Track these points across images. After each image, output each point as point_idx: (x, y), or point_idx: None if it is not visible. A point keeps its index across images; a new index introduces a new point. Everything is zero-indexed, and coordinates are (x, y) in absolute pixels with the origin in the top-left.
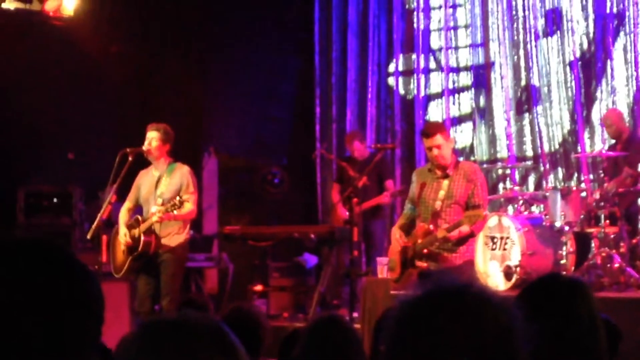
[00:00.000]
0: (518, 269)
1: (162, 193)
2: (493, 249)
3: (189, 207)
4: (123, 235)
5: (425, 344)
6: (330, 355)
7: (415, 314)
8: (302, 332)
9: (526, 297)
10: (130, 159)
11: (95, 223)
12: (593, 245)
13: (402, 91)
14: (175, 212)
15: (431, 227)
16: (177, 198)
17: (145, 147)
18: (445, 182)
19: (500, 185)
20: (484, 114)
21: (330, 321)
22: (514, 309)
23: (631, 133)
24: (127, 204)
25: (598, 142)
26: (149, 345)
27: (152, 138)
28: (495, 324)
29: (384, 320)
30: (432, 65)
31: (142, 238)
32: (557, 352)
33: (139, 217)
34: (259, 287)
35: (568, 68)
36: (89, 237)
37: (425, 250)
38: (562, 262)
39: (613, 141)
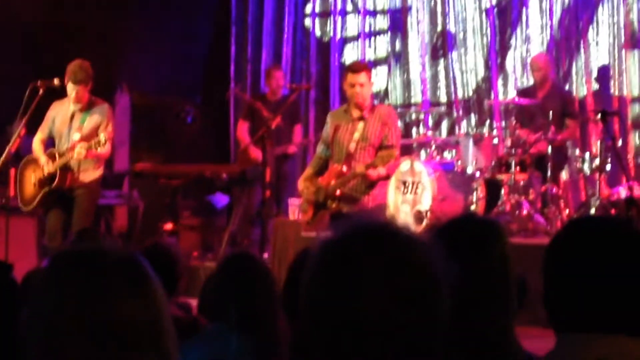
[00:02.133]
0: (428, 213)
1: (80, 128)
2: (405, 193)
3: (108, 145)
4: (45, 164)
5: (347, 282)
6: (243, 290)
7: (336, 252)
8: (215, 269)
9: (441, 235)
10: (41, 92)
11: (4, 156)
12: (503, 191)
13: (318, 33)
14: (99, 149)
15: (344, 168)
16: (102, 135)
17: (74, 99)
18: (361, 124)
19: (414, 130)
20: (399, 58)
21: (243, 257)
22: (435, 248)
23: (554, 82)
24: (40, 135)
25: (511, 90)
26: (60, 276)
27: (78, 89)
28: (417, 262)
29: (300, 260)
30: (349, 7)
31: (59, 172)
32: (468, 290)
33: (55, 151)
34: (169, 226)
35: (484, 15)
36: None
37: (338, 192)
38: (472, 207)
39: (525, 86)
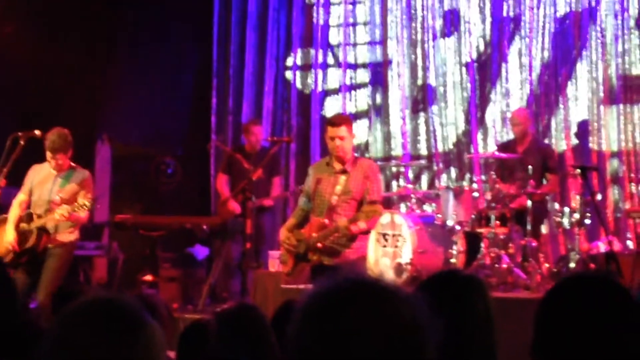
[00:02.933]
0: (409, 266)
1: (60, 192)
2: (385, 246)
3: (87, 213)
4: (11, 238)
5: (335, 336)
6: (244, 344)
7: (325, 304)
8: (214, 321)
9: (425, 290)
10: (22, 142)
11: None
12: (482, 245)
13: (299, 85)
14: (80, 213)
15: (326, 221)
16: (85, 202)
17: (55, 167)
18: (343, 178)
19: (394, 183)
20: (380, 111)
21: (245, 309)
22: (422, 303)
23: (534, 137)
24: (21, 196)
25: (491, 144)
26: (69, 327)
27: (59, 158)
28: (405, 317)
29: (282, 312)
30: (330, 60)
31: (35, 232)
32: (453, 345)
33: (32, 212)
34: (148, 277)
35: (464, 69)
36: None
37: (319, 245)
38: (452, 260)
39: (505, 140)
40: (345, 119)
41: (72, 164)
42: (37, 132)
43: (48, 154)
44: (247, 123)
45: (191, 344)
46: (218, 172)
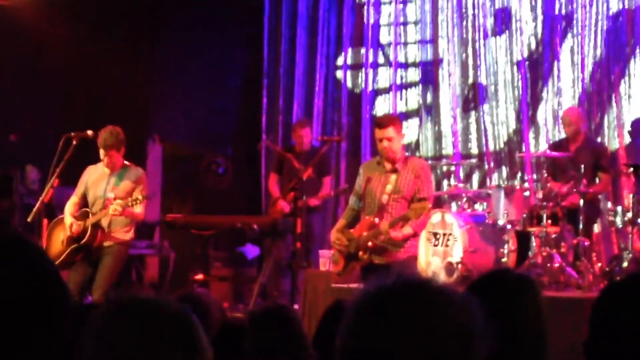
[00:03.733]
0: (459, 265)
1: (115, 189)
2: (435, 245)
3: (143, 208)
4: (69, 224)
5: (386, 336)
6: (276, 345)
7: (378, 304)
8: (248, 322)
9: (475, 290)
10: (74, 143)
11: (37, 207)
12: (534, 244)
13: (349, 85)
14: (135, 208)
15: (377, 220)
16: (138, 196)
17: (108, 165)
18: (393, 177)
19: (445, 182)
20: (430, 110)
21: (277, 311)
22: (476, 307)
23: (587, 135)
24: (74, 199)
25: (542, 142)
26: (116, 325)
27: (111, 156)
28: (457, 320)
29: (332, 311)
30: (381, 60)
31: (90, 229)
32: (504, 345)
33: (88, 210)
34: (199, 276)
35: (515, 68)
36: (29, 220)
37: (370, 244)
38: (503, 260)
39: (557, 139)
40: (392, 120)
41: (126, 162)
42: (89, 132)
43: (101, 152)
44: (294, 124)
45: (224, 344)
46: (269, 172)
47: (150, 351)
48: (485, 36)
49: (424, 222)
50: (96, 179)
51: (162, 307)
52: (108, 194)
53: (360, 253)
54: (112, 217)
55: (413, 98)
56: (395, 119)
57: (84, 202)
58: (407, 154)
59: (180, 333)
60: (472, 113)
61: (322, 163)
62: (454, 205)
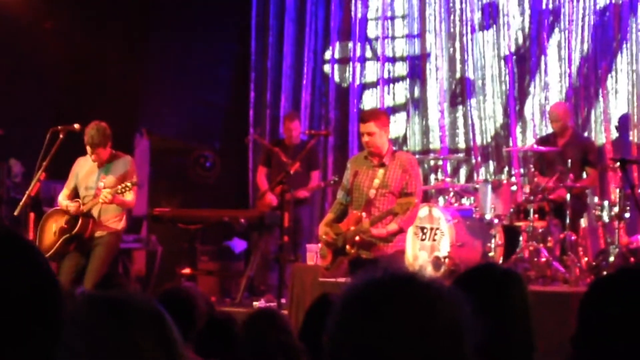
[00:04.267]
0: (447, 259)
1: (105, 179)
2: (423, 240)
3: (133, 195)
4: (65, 206)
5: (375, 330)
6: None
7: (366, 298)
8: (241, 328)
9: (461, 284)
10: (61, 136)
11: (23, 200)
12: (521, 238)
13: (337, 79)
14: (125, 195)
15: (364, 215)
16: (127, 183)
17: (94, 159)
18: (381, 171)
19: (432, 177)
20: (418, 104)
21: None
22: (464, 300)
23: (574, 130)
24: (65, 191)
25: (530, 137)
26: (87, 321)
27: (98, 152)
28: (445, 314)
29: (317, 305)
30: (368, 54)
31: (81, 219)
32: (490, 340)
33: (79, 201)
34: (186, 270)
35: (502, 62)
36: (15, 213)
37: (357, 238)
38: (490, 254)
39: (545, 134)
40: (374, 114)
41: (113, 151)
42: (76, 126)
43: (88, 149)
44: (283, 117)
45: (211, 336)
46: (258, 165)
47: (119, 346)
48: (473, 30)
49: (411, 218)
50: (87, 171)
51: (132, 303)
52: (99, 183)
53: (348, 247)
54: (102, 207)
55: (400, 92)
56: (379, 113)
57: (75, 194)
58: (394, 148)
59: (151, 328)
60: (460, 107)
61: (311, 157)
62: (441, 200)
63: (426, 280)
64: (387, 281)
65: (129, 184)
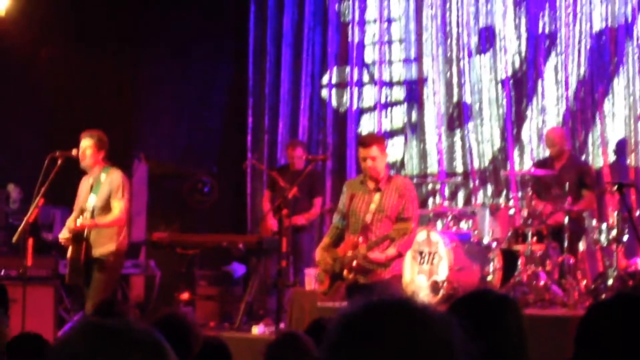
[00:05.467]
0: (445, 284)
1: (93, 199)
2: (421, 263)
3: (116, 213)
4: (64, 234)
5: (366, 353)
6: None
7: (358, 323)
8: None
9: (457, 310)
10: (59, 162)
11: (21, 227)
12: (519, 262)
13: (334, 103)
14: (108, 218)
15: (360, 239)
16: (112, 202)
17: (79, 156)
18: (377, 196)
19: (430, 200)
20: (415, 128)
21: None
22: (456, 325)
23: (571, 154)
24: (73, 214)
25: (527, 160)
26: (84, 349)
27: (86, 147)
28: (438, 338)
29: (311, 331)
30: (366, 78)
31: (72, 245)
32: None
33: (70, 226)
34: (185, 295)
35: (500, 86)
36: (14, 240)
37: (354, 263)
38: (489, 278)
39: (542, 157)
40: (375, 139)
41: (105, 164)
42: (74, 151)
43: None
44: (287, 145)
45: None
46: (264, 190)
47: None
48: (470, 55)
49: (409, 242)
50: (83, 191)
51: (132, 332)
52: (90, 205)
53: (345, 272)
54: (93, 229)
55: (398, 116)
56: (379, 138)
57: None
58: (392, 172)
59: (150, 358)
60: (457, 131)
61: (313, 183)
62: (439, 224)
63: (418, 304)
64: (380, 305)
65: (112, 204)
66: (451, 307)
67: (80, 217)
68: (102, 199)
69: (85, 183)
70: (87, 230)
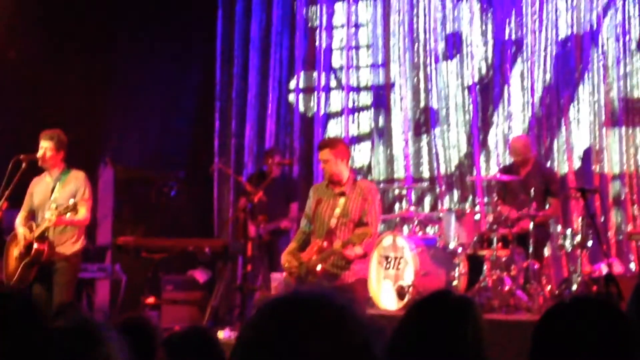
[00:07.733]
0: (411, 288)
1: (56, 199)
2: (387, 268)
3: (83, 212)
4: (22, 235)
5: (281, 353)
6: None
7: (273, 321)
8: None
9: (416, 312)
10: (23, 165)
11: None
12: (485, 267)
13: (302, 108)
14: (68, 215)
15: (325, 244)
16: (71, 201)
17: (39, 155)
18: (342, 200)
19: (397, 205)
20: (382, 134)
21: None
22: (374, 325)
23: (537, 160)
24: (22, 213)
25: (493, 166)
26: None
27: (46, 148)
28: (353, 338)
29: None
30: (333, 83)
31: (34, 245)
32: None
33: (33, 224)
34: (151, 300)
35: (466, 92)
36: None
37: (319, 268)
38: (454, 283)
39: (508, 163)
40: (328, 142)
41: (65, 166)
42: (38, 156)
43: (39, 154)
44: (264, 153)
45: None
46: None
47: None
48: (437, 60)
49: (372, 244)
50: (41, 190)
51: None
52: (51, 204)
53: (310, 277)
54: (56, 228)
55: (365, 122)
56: (334, 141)
57: (32, 215)
58: (359, 177)
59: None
60: (424, 137)
61: (289, 188)
62: (405, 229)
63: (337, 301)
64: (297, 302)
65: (70, 205)
66: (410, 309)
67: (37, 217)
68: (66, 198)
69: (41, 183)
70: (52, 230)
